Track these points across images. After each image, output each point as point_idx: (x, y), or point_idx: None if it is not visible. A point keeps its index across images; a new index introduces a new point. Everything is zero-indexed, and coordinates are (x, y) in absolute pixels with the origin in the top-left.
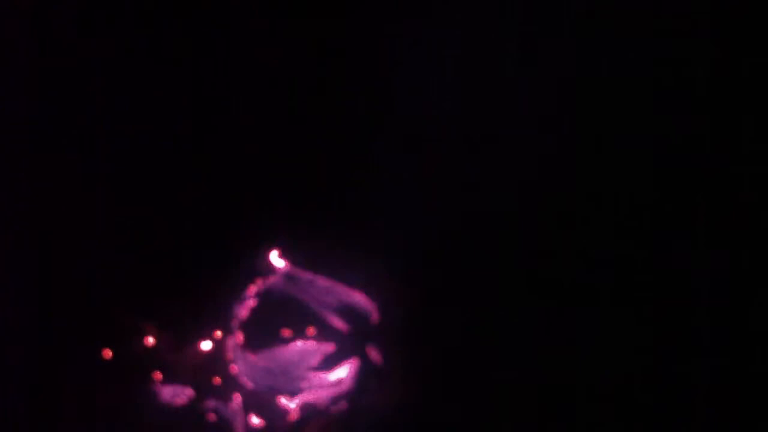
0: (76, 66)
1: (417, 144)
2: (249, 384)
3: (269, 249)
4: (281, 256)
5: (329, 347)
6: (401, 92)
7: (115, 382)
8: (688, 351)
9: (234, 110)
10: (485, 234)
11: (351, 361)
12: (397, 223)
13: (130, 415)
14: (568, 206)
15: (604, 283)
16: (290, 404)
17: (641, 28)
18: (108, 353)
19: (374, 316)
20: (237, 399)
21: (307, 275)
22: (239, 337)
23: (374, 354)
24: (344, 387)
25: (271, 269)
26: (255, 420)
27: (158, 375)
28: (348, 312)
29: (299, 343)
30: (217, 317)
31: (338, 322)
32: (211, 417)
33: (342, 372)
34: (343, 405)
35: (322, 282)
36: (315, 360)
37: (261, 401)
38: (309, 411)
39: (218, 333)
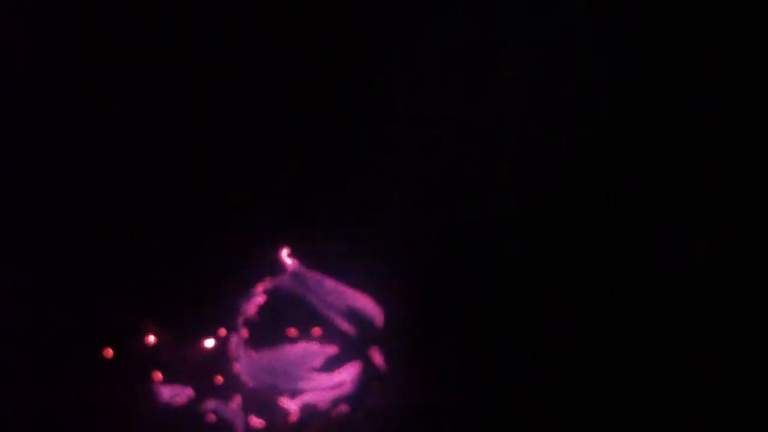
0: (76, 66)
1: (426, 144)
2: (250, 382)
3: (278, 247)
4: (290, 255)
5: (332, 349)
6: (410, 92)
7: (115, 382)
8: (689, 351)
9: (242, 107)
10: (489, 235)
11: (354, 363)
12: (406, 225)
13: (130, 415)
14: (569, 206)
15: (605, 283)
16: (291, 405)
17: (641, 28)
18: (109, 352)
19: (379, 319)
20: (237, 399)
21: (314, 275)
22: (243, 334)
23: (377, 356)
24: (346, 389)
25: (279, 268)
26: (255, 420)
27: (158, 375)
28: (353, 314)
29: (303, 344)
30: (222, 315)
31: (343, 324)
32: (212, 417)
33: (344, 374)
34: (344, 407)
35: (330, 283)
36: (318, 361)
37: (261, 401)
38: (310, 412)
39: (222, 330)
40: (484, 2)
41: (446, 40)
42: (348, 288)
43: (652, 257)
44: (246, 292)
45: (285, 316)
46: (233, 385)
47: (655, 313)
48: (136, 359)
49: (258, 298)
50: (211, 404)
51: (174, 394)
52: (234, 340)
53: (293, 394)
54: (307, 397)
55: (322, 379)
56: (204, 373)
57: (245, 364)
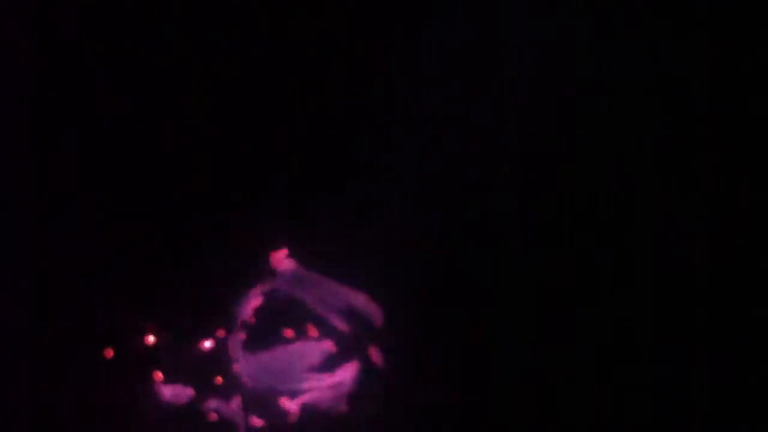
0: (76, 66)
1: (426, 144)
2: (249, 383)
3: (276, 248)
4: (288, 255)
5: (331, 348)
6: (410, 92)
7: (115, 382)
8: (689, 351)
9: (242, 107)
10: (489, 235)
11: (353, 362)
12: (406, 225)
13: (130, 415)
14: (569, 206)
15: (605, 283)
16: (291, 405)
17: (641, 28)
18: (109, 353)
19: (378, 318)
20: (237, 399)
21: (313, 276)
22: (242, 336)
23: (376, 356)
24: (345, 389)
25: (277, 269)
26: (256, 420)
27: (159, 375)
28: (352, 314)
29: (301, 344)
30: (222, 315)
31: (342, 324)
32: (212, 417)
33: (343, 373)
34: (343, 406)
35: (328, 283)
36: (316, 361)
37: (261, 401)
38: (309, 412)
39: (221, 331)
40: (484, 2)
41: (446, 40)
42: (347, 288)
43: (652, 257)
44: (245, 292)
45: (283, 317)
46: (233, 385)
47: (655, 313)
48: (136, 359)
49: (256, 299)
50: (211, 404)
51: (174, 394)
52: (233, 340)
53: (293, 394)
54: (307, 397)
55: (322, 378)
56: (203, 373)
57: (244, 365)
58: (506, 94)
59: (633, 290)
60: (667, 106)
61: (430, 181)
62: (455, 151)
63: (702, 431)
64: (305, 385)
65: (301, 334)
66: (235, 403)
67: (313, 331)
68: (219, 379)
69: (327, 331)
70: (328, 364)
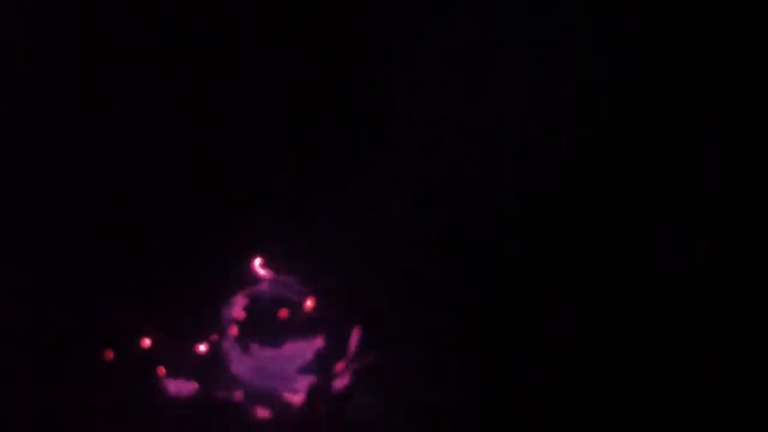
0: (76, 66)
1: (426, 144)
2: (246, 385)
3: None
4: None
5: (323, 347)
6: (410, 92)
7: (115, 382)
8: (689, 351)
9: (242, 107)
10: (489, 235)
11: (352, 362)
12: (406, 225)
13: (131, 415)
14: (569, 206)
15: (605, 283)
16: (293, 398)
17: (641, 28)
18: (109, 354)
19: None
20: (238, 396)
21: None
22: (233, 339)
23: (376, 356)
24: (341, 387)
25: (275, 269)
26: (255, 418)
27: (161, 369)
28: (352, 314)
29: (294, 344)
30: (221, 315)
31: (341, 324)
32: (212, 416)
33: (339, 372)
34: (341, 405)
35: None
36: (309, 360)
37: (261, 401)
38: (308, 411)
39: (215, 335)
40: (484, 2)
41: (446, 40)
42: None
43: (652, 257)
44: (242, 294)
45: (273, 319)
46: (233, 385)
47: (655, 313)
48: (136, 359)
49: (251, 301)
50: (211, 404)
51: (174, 393)
52: (228, 343)
53: (291, 393)
54: (301, 396)
55: (316, 377)
56: (203, 374)
57: (239, 367)
58: (506, 94)
59: (633, 290)
60: (667, 106)
61: (430, 181)
62: (455, 151)
63: (702, 431)
64: (300, 385)
65: (293, 335)
66: (237, 398)
67: (310, 304)
68: (217, 380)
69: (320, 330)
70: (322, 363)
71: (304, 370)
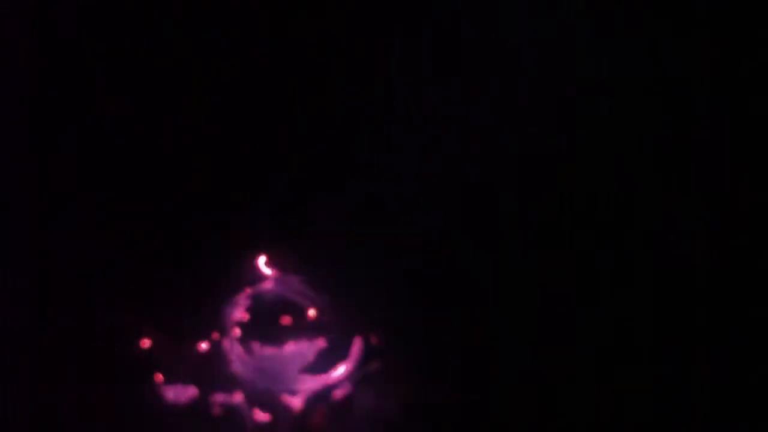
0: (76, 66)
1: (426, 144)
2: (247, 386)
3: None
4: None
5: (324, 347)
6: (410, 92)
7: (115, 382)
8: (689, 351)
9: (242, 107)
10: (489, 235)
11: (348, 361)
12: (406, 225)
13: (130, 415)
14: (569, 206)
15: (605, 283)
16: (293, 401)
17: (641, 28)
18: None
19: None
20: (238, 397)
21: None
22: (235, 339)
23: (375, 356)
24: (342, 387)
25: (274, 270)
26: (256, 418)
27: (160, 375)
28: (351, 314)
29: (295, 345)
30: (221, 316)
31: (341, 324)
32: (212, 416)
33: (339, 372)
34: (341, 405)
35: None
36: (311, 360)
37: (261, 401)
38: (307, 411)
39: (217, 334)
40: (484, 2)
41: (446, 40)
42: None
43: (652, 257)
44: (242, 294)
45: (275, 320)
46: (232, 386)
47: (655, 313)
48: (136, 359)
49: (254, 300)
50: (211, 403)
51: (174, 394)
52: (229, 343)
53: (291, 394)
54: (303, 397)
55: (317, 378)
56: (203, 374)
57: (240, 368)
58: (506, 94)
59: (633, 290)
60: (667, 106)
61: (430, 181)
62: (455, 151)
63: (702, 431)
64: (301, 386)
65: (295, 335)
66: (237, 400)
67: (312, 314)
68: (217, 380)
69: (321, 330)
70: (323, 364)
71: (305, 372)
